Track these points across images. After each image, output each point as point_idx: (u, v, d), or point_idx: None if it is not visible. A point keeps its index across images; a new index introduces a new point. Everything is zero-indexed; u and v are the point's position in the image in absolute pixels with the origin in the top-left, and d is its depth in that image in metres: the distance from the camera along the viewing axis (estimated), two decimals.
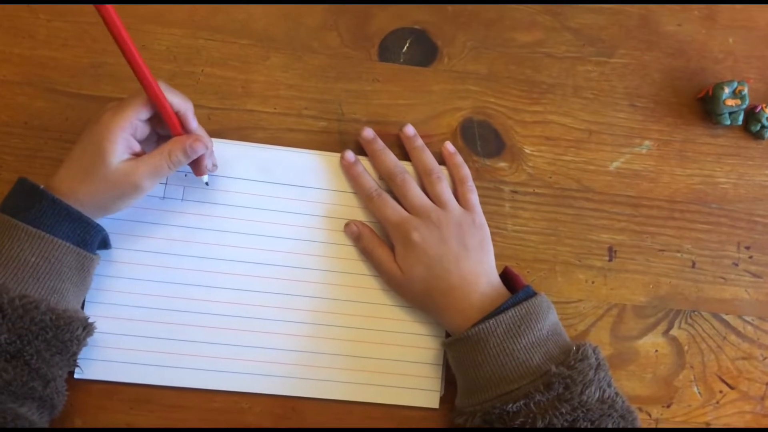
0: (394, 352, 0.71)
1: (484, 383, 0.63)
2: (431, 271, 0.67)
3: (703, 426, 0.74)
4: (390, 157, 0.71)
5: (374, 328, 0.71)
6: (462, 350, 0.65)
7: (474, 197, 0.71)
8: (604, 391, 0.62)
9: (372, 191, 0.71)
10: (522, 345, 0.63)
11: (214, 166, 0.69)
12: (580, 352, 0.63)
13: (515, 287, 0.68)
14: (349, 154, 0.72)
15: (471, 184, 0.72)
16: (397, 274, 0.69)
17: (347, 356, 0.71)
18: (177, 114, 0.63)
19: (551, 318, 0.66)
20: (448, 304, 0.67)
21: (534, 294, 0.66)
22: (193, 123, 0.65)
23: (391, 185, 0.71)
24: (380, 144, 0.72)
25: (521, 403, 0.61)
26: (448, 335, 0.70)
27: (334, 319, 0.71)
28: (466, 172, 0.72)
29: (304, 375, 0.70)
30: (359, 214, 0.72)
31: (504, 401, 0.61)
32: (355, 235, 0.71)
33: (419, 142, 0.73)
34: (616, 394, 0.62)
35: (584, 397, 0.60)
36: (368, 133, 0.72)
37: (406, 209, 0.70)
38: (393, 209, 0.70)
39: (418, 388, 0.71)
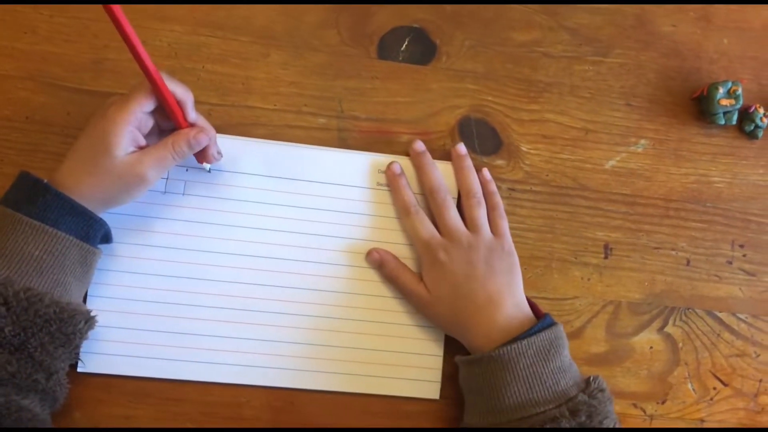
0: (394, 344, 0.72)
1: (510, 404, 0.63)
2: (458, 290, 0.68)
3: (698, 422, 0.75)
4: (437, 174, 0.72)
5: (374, 320, 0.72)
6: (488, 369, 0.64)
7: (505, 224, 0.72)
8: (615, 423, 0.63)
9: (410, 206, 0.71)
10: (549, 369, 0.63)
11: (219, 154, 0.69)
12: (597, 382, 0.64)
13: (535, 314, 0.69)
14: (396, 166, 0.73)
15: (502, 211, 0.72)
16: (424, 295, 0.69)
17: (347, 348, 0.71)
18: (178, 104, 0.64)
19: (568, 347, 0.67)
20: (474, 324, 0.67)
21: (555, 322, 0.67)
22: (192, 113, 0.65)
23: (430, 201, 0.72)
24: (429, 158, 0.73)
25: (546, 427, 0.61)
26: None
27: (334, 311, 0.72)
28: (499, 199, 0.73)
29: (304, 367, 0.71)
30: (359, 207, 0.73)
31: (527, 423, 0.62)
32: (377, 262, 0.72)
33: (469, 162, 0.73)
34: (615, 423, 0.64)
35: (601, 427, 0.62)
36: (419, 145, 0.73)
37: (439, 229, 0.71)
38: (426, 228, 0.70)
39: (419, 379, 0.72)
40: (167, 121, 0.65)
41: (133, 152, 0.63)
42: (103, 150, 0.61)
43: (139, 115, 0.62)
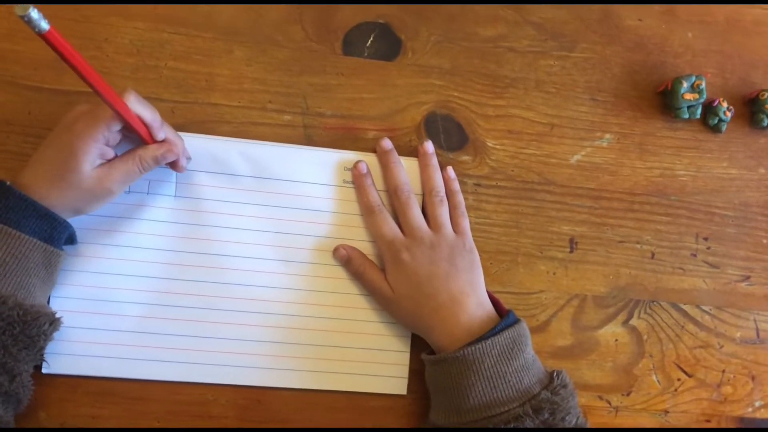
0: (361, 340, 0.72)
1: (475, 404, 0.63)
2: (421, 289, 0.68)
3: (662, 413, 0.76)
4: (402, 173, 0.72)
5: (341, 317, 0.72)
6: (453, 369, 0.65)
7: (465, 222, 0.72)
8: (578, 417, 0.64)
9: (374, 206, 0.71)
10: (513, 368, 0.64)
11: (188, 159, 0.69)
12: (560, 378, 0.65)
13: (498, 311, 0.69)
14: (362, 166, 0.73)
15: (463, 210, 0.73)
16: (388, 293, 0.69)
17: (314, 345, 0.71)
18: (145, 125, 0.63)
19: (531, 343, 0.68)
20: (438, 323, 0.67)
21: (518, 319, 0.67)
22: (160, 134, 0.65)
23: (393, 200, 0.72)
24: (396, 157, 0.73)
25: (510, 426, 0.62)
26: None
27: (300, 309, 0.72)
28: (460, 198, 0.73)
29: (271, 365, 0.71)
30: (326, 205, 0.73)
31: (492, 422, 0.63)
32: (344, 258, 0.72)
33: (434, 161, 0.74)
34: (578, 417, 0.65)
35: (564, 423, 0.62)
36: (387, 143, 0.73)
37: (402, 227, 0.71)
38: (389, 227, 0.70)
39: (386, 375, 0.72)
40: (135, 134, 0.65)
41: (101, 166, 0.62)
42: (72, 166, 0.61)
43: (106, 133, 0.62)
